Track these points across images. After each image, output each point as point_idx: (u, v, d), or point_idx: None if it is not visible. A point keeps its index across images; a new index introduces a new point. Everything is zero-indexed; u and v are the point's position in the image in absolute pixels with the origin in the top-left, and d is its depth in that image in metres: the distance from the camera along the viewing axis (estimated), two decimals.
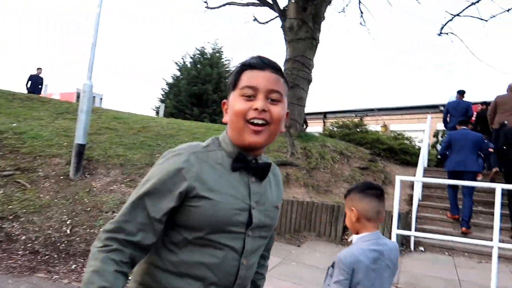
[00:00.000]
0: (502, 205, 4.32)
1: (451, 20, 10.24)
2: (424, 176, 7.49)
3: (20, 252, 3.97)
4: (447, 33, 10.78)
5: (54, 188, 5.23)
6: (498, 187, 4.06)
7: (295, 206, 6.00)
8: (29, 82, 13.55)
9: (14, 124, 6.99)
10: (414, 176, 7.28)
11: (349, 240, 1.73)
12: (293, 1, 8.61)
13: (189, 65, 24.77)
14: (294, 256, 4.89)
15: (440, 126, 13.18)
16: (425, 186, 7.42)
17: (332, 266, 1.63)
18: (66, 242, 4.24)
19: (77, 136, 5.62)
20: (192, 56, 25.30)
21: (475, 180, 5.94)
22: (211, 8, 10.76)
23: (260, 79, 1.03)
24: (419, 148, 9.46)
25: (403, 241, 5.72)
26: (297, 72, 8.41)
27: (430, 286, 4.14)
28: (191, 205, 0.97)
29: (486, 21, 9.78)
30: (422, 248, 5.71)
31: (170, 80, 25.33)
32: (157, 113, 24.50)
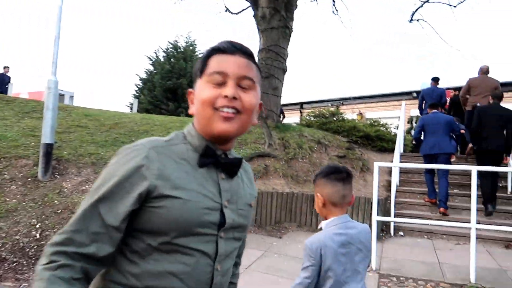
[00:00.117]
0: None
1: (421, 6, 10.36)
2: (400, 162, 7.57)
3: None
4: (417, 20, 10.91)
5: (22, 191, 4.96)
6: (474, 169, 4.10)
7: (275, 198, 5.93)
8: None
9: None
10: (391, 162, 7.35)
11: (318, 227, 1.67)
12: None
13: (162, 59, 24.33)
14: (275, 248, 4.83)
15: (414, 113, 13.42)
16: (402, 171, 7.51)
17: None
18: (35, 247, 4.02)
19: (44, 135, 5.34)
20: (165, 50, 24.85)
21: (449, 161, 6.09)
22: None
23: (230, 64, 0.93)
24: (395, 135, 9.58)
25: (383, 227, 5.76)
26: (272, 62, 8.29)
27: (412, 270, 4.16)
28: (154, 206, 0.85)
29: (455, 7, 9.95)
30: (401, 233, 5.76)
31: (144, 75, 24.85)
32: (131, 109, 24.00)
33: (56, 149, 5.68)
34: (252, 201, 1.08)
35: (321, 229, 1.67)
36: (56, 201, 4.79)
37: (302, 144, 7.73)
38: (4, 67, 13.60)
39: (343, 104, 17.43)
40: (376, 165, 4.48)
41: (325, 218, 1.65)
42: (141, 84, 24.92)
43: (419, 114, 9.23)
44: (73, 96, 23.29)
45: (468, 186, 6.58)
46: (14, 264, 3.74)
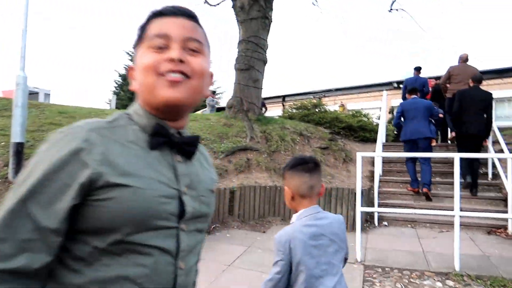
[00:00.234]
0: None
1: None
2: (383, 152, 7.56)
3: None
4: (397, 9, 10.93)
5: None
6: (456, 156, 4.06)
7: (258, 192, 5.82)
8: None
9: None
10: (374, 152, 7.32)
11: (291, 222, 1.55)
12: None
13: None
14: (259, 243, 4.72)
15: (395, 103, 13.49)
16: (385, 161, 7.50)
17: None
18: None
19: (14, 134, 5.08)
20: None
21: (430, 145, 6.18)
22: None
23: (173, 26, 0.81)
24: (377, 125, 9.59)
25: (367, 218, 5.72)
26: (252, 54, 8.13)
27: (397, 260, 4.12)
28: (100, 199, 0.70)
29: None
30: (385, 223, 5.74)
31: (123, 71, 24.40)
32: (111, 106, 23.56)
33: (28, 148, 5.42)
34: (214, 186, 0.96)
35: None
36: None
37: (285, 137, 7.63)
38: None
39: (325, 96, 17.41)
40: (359, 155, 4.40)
41: (296, 211, 1.58)
42: (120, 81, 24.52)
43: None
44: (49, 94, 22.61)
45: (450, 174, 6.64)
46: None
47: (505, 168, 5.97)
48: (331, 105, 16.03)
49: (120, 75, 24.59)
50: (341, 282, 1.51)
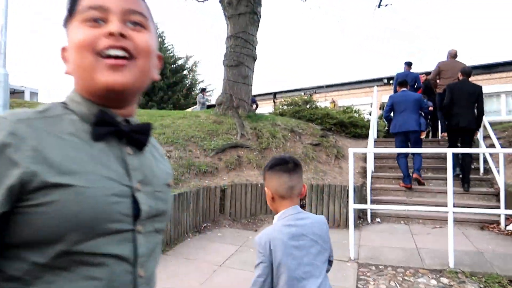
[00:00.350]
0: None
1: None
2: (375, 147, 7.52)
3: None
4: (386, 5, 10.90)
5: None
6: (449, 152, 4.01)
7: (249, 189, 5.72)
8: None
9: None
10: (366, 148, 7.28)
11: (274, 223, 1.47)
12: None
13: None
14: (251, 242, 4.63)
15: (385, 98, 13.47)
16: (377, 157, 7.45)
17: None
18: None
19: None
20: None
21: (420, 138, 6.29)
22: None
23: None
24: (368, 121, 9.56)
25: (360, 214, 5.67)
26: (241, 50, 8.00)
27: (390, 257, 4.06)
28: (36, 204, 0.58)
29: None
30: (378, 219, 5.69)
31: None
32: None
33: None
34: (170, 179, 0.84)
35: None
36: None
37: (276, 133, 7.54)
38: None
39: (315, 93, 17.37)
40: (351, 152, 4.32)
41: (276, 212, 1.54)
42: None
43: None
44: (37, 93, 22.21)
45: (442, 169, 6.62)
46: None
47: (496, 163, 5.97)
48: (322, 101, 15.99)
49: None
50: (325, 285, 1.46)
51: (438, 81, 7.72)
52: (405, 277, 3.61)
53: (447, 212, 3.82)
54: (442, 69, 7.56)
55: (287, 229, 1.43)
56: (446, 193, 3.98)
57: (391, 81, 14.96)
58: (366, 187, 6.05)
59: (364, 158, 7.52)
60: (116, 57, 0.65)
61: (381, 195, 6.29)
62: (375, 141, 7.98)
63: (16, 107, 7.44)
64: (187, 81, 24.75)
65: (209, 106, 14.19)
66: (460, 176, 5.99)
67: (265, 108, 16.65)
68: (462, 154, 5.80)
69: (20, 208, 0.58)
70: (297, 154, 7.17)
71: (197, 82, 25.62)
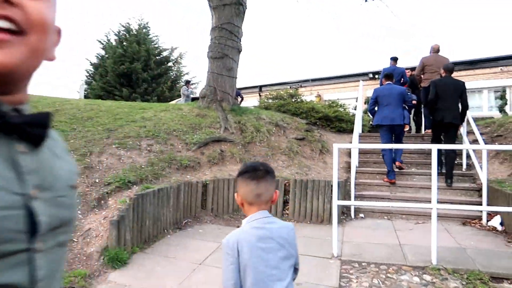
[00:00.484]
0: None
1: None
2: (359, 142, 7.49)
3: None
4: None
5: None
6: (434, 148, 3.96)
7: (232, 184, 5.61)
8: None
9: None
10: (351, 143, 7.23)
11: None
12: None
13: (114, 43, 23.09)
14: None
15: (371, 93, 13.47)
16: (361, 152, 7.42)
17: None
18: None
19: None
20: (117, 33, 23.63)
21: (404, 131, 6.47)
22: None
23: None
24: (353, 115, 9.52)
25: (344, 209, 5.62)
26: (225, 41, 7.81)
27: (374, 254, 4.01)
28: None
29: None
30: (362, 215, 5.66)
31: (95, 60, 23.51)
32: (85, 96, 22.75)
33: None
34: (74, 181, 0.69)
35: None
36: None
37: (260, 127, 7.42)
38: None
39: (301, 86, 17.28)
40: (336, 147, 4.24)
41: (246, 216, 1.57)
42: (92, 69, 23.66)
43: None
44: None
45: (425, 165, 6.63)
46: None
47: (479, 158, 5.99)
48: (308, 95, 15.93)
49: (91, 64, 23.67)
50: None
51: (422, 76, 7.80)
52: (388, 274, 3.56)
53: (431, 208, 3.79)
54: (426, 64, 7.68)
55: (255, 231, 1.44)
56: (430, 188, 3.95)
57: (376, 76, 15.00)
58: (350, 182, 6.00)
59: (348, 153, 7.48)
60: None
61: (365, 190, 6.25)
62: (360, 136, 7.95)
63: None
64: (172, 73, 24.39)
65: (194, 99, 13.97)
66: (443, 171, 6.00)
67: (250, 101, 16.50)
68: (446, 149, 5.81)
69: None
70: (281, 149, 7.08)
71: (182, 74, 25.30)
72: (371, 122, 9.87)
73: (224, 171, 5.98)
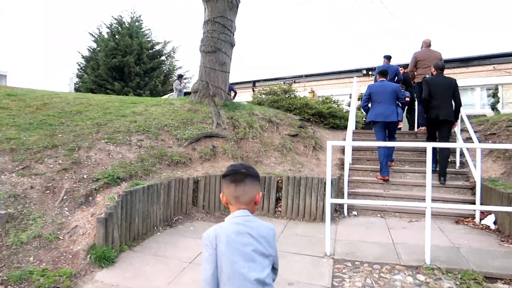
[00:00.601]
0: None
1: None
2: (353, 139, 7.43)
3: None
4: None
5: None
6: (429, 146, 3.90)
7: None
8: None
9: None
10: (344, 139, 7.18)
11: None
12: None
13: (106, 36, 22.75)
14: None
15: (364, 90, 13.44)
16: (355, 149, 7.37)
17: None
18: None
19: None
20: (109, 26, 23.30)
21: (397, 127, 6.48)
22: None
23: None
24: (347, 112, 9.46)
25: (337, 207, 5.56)
26: (218, 35, 7.66)
27: (367, 253, 3.95)
28: None
29: None
30: (355, 213, 5.61)
31: (86, 53, 23.17)
32: (75, 89, 22.43)
33: None
34: None
35: None
36: None
37: (253, 123, 7.33)
38: None
39: (295, 82, 17.20)
40: (329, 144, 4.16)
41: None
42: (83, 63, 23.32)
43: None
44: (5, 76, 21.18)
45: (419, 162, 6.60)
46: None
47: (473, 156, 5.97)
48: (301, 91, 15.84)
49: (83, 57, 23.31)
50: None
51: (415, 72, 7.82)
52: (381, 274, 3.51)
53: (425, 207, 3.73)
54: (419, 59, 7.75)
55: (235, 227, 1.50)
56: (423, 186, 3.91)
57: (370, 72, 14.97)
58: (343, 179, 5.94)
59: (342, 149, 7.42)
60: None
61: (359, 187, 6.20)
62: (353, 133, 7.89)
63: None
64: (165, 67, 24.14)
65: (187, 93, 13.81)
66: (437, 169, 5.98)
67: (244, 96, 16.38)
68: (440, 147, 5.80)
69: None
70: (274, 145, 7.00)
71: (175, 68, 25.05)
72: (364, 119, 9.83)
73: (216, 167, 5.88)
